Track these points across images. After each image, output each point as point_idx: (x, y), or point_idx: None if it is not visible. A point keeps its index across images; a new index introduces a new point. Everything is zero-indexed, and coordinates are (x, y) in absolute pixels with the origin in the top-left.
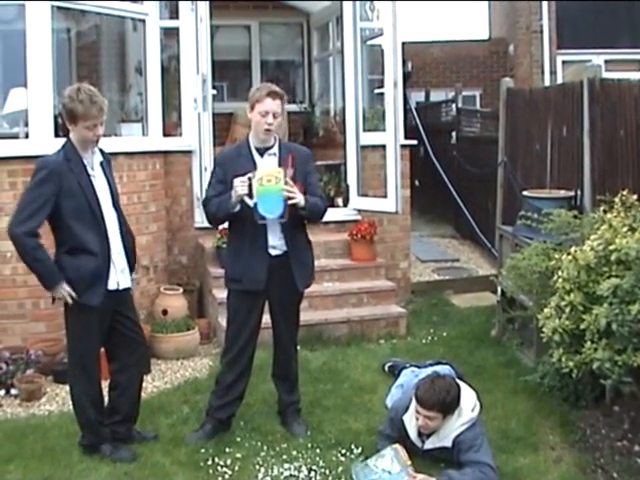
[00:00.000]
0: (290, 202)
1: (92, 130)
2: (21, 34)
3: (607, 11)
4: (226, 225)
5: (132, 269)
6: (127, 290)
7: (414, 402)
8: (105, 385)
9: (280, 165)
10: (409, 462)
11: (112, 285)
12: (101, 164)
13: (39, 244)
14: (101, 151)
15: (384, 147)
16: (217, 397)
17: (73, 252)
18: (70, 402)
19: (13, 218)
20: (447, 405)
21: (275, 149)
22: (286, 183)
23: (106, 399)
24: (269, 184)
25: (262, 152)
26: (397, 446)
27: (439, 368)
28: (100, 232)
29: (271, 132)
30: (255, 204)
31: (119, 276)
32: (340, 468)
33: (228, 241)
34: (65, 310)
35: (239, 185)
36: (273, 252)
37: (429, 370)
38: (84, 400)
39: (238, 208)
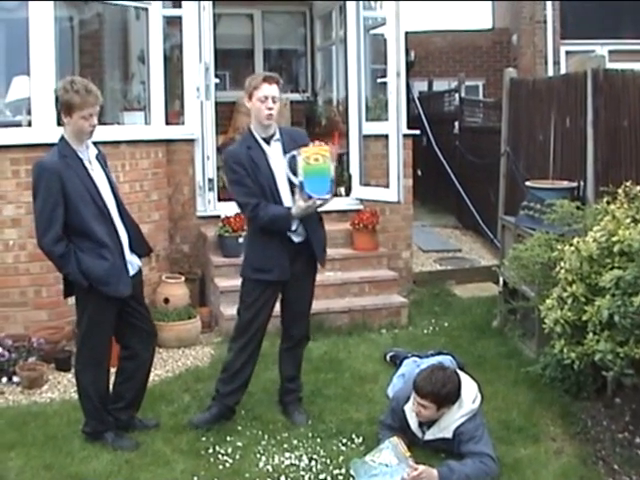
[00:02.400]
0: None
1: (88, 120)
2: (24, 22)
3: (611, 1)
4: (230, 213)
5: (146, 255)
6: (134, 279)
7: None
8: (112, 371)
9: (285, 152)
10: (408, 454)
11: None
12: (97, 157)
13: (66, 251)
14: (97, 148)
15: (386, 137)
16: (224, 383)
17: (88, 249)
18: (72, 390)
19: (36, 232)
20: (441, 397)
21: (277, 135)
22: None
23: (110, 383)
24: (316, 163)
25: (267, 141)
26: (395, 439)
27: (440, 358)
28: (107, 222)
29: (273, 117)
30: (301, 183)
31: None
32: (341, 457)
33: (250, 231)
34: (80, 301)
35: (301, 210)
36: (296, 239)
37: (431, 360)
38: (91, 389)
39: (296, 226)
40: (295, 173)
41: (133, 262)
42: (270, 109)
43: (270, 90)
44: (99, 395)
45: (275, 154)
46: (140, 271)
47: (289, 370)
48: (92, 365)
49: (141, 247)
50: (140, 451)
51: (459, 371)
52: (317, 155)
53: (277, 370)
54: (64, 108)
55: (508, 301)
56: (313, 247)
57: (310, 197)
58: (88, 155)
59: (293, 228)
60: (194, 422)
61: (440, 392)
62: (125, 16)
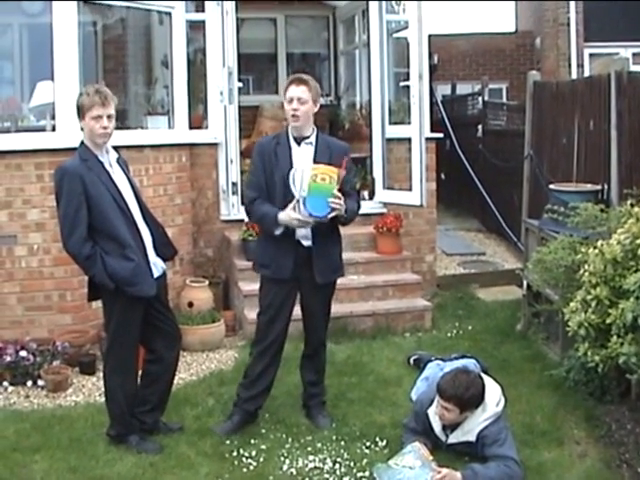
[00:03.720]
0: (332, 214)
1: (98, 122)
2: (48, 27)
3: (634, 4)
4: None
5: (171, 258)
6: (158, 281)
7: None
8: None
9: (316, 155)
10: (431, 457)
11: None
12: (117, 161)
13: (92, 253)
14: (117, 152)
15: (410, 140)
16: (245, 388)
17: (112, 250)
18: (96, 393)
19: (61, 235)
20: (464, 401)
21: (312, 139)
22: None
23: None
24: (323, 183)
25: (299, 141)
26: (417, 444)
27: (464, 362)
28: (129, 224)
29: (298, 118)
30: (303, 198)
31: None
32: (365, 460)
33: (260, 229)
34: (107, 304)
35: (288, 219)
36: (305, 243)
37: (454, 363)
38: (119, 393)
39: (280, 232)
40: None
41: (157, 264)
42: (295, 110)
43: (296, 91)
44: (126, 398)
45: (302, 155)
46: (164, 274)
47: (309, 375)
48: (120, 368)
49: (166, 249)
50: (164, 454)
51: (483, 374)
52: (325, 175)
53: (299, 374)
54: (78, 112)
55: (532, 304)
56: (313, 264)
57: (310, 215)
58: (109, 159)
59: (304, 233)
60: (217, 431)
61: (463, 395)
62: (148, 21)
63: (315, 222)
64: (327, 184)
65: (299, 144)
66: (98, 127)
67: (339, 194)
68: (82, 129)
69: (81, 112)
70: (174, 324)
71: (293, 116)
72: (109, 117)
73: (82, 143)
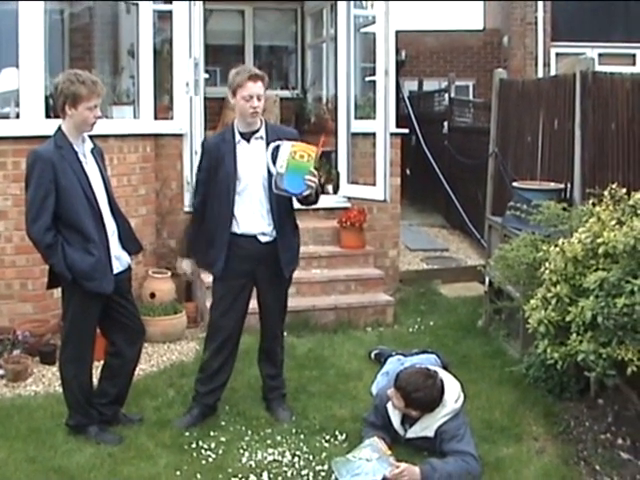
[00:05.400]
0: (307, 192)
1: (93, 111)
2: (13, 14)
3: (602, 5)
4: None
5: (136, 253)
6: (120, 275)
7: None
8: (99, 365)
9: (267, 147)
10: (389, 452)
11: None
12: (92, 151)
13: (53, 242)
14: (93, 142)
15: (375, 135)
16: (202, 384)
17: (75, 242)
18: (56, 383)
19: (25, 220)
20: (409, 398)
21: (262, 132)
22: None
23: (96, 379)
24: (301, 160)
25: (248, 137)
26: (376, 439)
27: (425, 357)
28: (95, 217)
29: (257, 114)
30: (280, 175)
31: (114, 262)
32: (324, 454)
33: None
34: (65, 295)
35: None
36: (263, 239)
37: (414, 358)
38: (74, 383)
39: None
40: (275, 163)
41: (122, 258)
42: (255, 107)
43: (255, 89)
44: (82, 389)
45: (252, 152)
46: (129, 268)
47: (268, 368)
48: (75, 358)
49: (131, 244)
50: (123, 445)
51: (443, 371)
52: (304, 152)
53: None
54: (69, 100)
55: (493, 301)
56: (279, 256)
57: (285, 191)
58: (83, 149)
59: (262, 230)
60: (177, 425)
61: (410, 393)
62: (115, 10)
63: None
64: (305, 162)
65: (248, 140)
66: (92, 117)
67: (315, 172)
68: (63, 116)
69: (74, 101)
70: (137, 319)
71: (253, 113)
72: (96, 106)
73: (59, 129)
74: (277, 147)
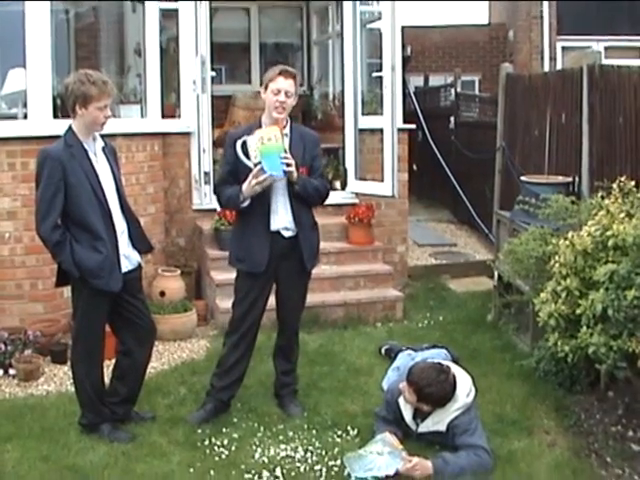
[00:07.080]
0: (286, 168)
1: (103, 111)
2: (20, 15)
3: None
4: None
5: (146, 252)
6: (130, 274)
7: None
8: (110, 364)
9: (290, 146)
10: (401, 447)
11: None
12: (103, 150)
13: (62, 240)
14: (104, 140)
15: (382, 131)
16: (219, 378)
17: (83, 240)
18: (68, 382)
19: (35, 218)
20: (422, 393)
21: (287, 130)
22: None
23: (108, 378)
24: (270, 143)
25: None
26: (387, 433)
27: (435, 351)
28: (105, 215)
29: (284, 111)
30: (258, 163)
31: (123, 261)
32: (336, 449)
33: (234, 222)
34: (74, 293)
35: (249, 187)
36: (286, 234)
37: (425, 353)
38: (85, 382)
39: (247, 203)
40: (248, 157)
41: (132, 257)
42: (281, 102)
43: (284, 84)
44: (94, 387)
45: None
46: (139, 267)
47: (282, 364)
48: (86, 357)
49: (142, 243)
50: (136, 443)
51: (454, 366)
52: (270, 135)
53: (272, 363)
54: (80, 100)
55: (502, 295)
56: (302, 251)
57: (271, 175)
58: (94, 147)
59: (284, 225)
60: (190, 420)
61: (423, 389)
62: (121, 9)
63: (272, 180)
64: (274, 143)
65: None
66: (102, 117)
67: (287, 149)
68: (73, 116)
69: (84, 101)
70: (147, 318)
71: (278, 107)
72: (107, 106)
73: (70, 129)
74: (244, 142)
